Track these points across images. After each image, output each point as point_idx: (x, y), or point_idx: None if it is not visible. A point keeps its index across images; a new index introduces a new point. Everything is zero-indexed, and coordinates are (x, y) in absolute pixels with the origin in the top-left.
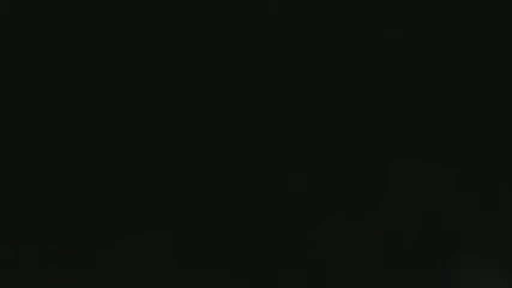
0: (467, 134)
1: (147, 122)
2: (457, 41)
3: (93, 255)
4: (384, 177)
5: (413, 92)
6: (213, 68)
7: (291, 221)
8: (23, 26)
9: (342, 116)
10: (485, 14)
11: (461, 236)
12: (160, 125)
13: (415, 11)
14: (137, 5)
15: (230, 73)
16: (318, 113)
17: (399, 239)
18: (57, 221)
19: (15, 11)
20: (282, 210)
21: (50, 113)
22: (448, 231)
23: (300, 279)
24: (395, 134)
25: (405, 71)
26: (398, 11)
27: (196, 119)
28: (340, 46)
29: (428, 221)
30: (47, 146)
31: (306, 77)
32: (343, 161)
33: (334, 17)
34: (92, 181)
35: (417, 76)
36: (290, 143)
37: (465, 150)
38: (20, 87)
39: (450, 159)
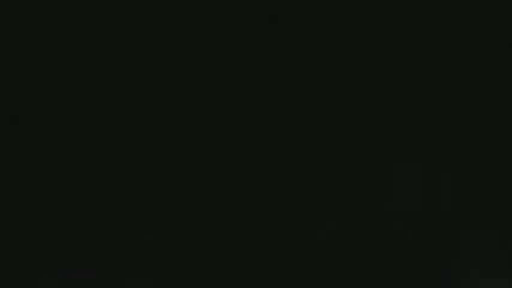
0: (467, 134)
1: (147, 122)
2: (457, 41)
3: (93, 255)
4: (383, 177)
5: (413, 92)
6: (212, 67)
7: (291, 221)
8: (23, 26)
9: (342, 116)
10: (485, 14)
11: (461, 236)
12: (160, 124)
13: (415, 11)
14: (137, 5)
15: (230, 73)
16: (318, 113)
17: (399, 239)
18: (57, 221)
19: (15, 11)
20: (282, 210)
21: (50, 113)
22: (448, 231)
23: (300, 279)
24: (395, 134)
25: (405, 71)
26: (398, 11)
27: (196, 119)
28: (340, 46)
29: (428, 221)
30: (47, 146)
31: (306, 77)
32: (343, 161)
33: (334, 17)
34: (91, 181)
35: (417, 76)
36: (290, 143)
37: (465, 150)
38: (20, 87)
39: (450, 159)
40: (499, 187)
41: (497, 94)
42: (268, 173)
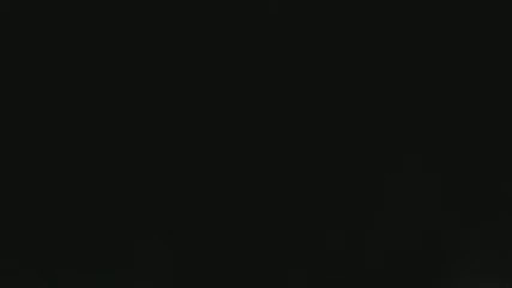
0: (466, 135)
1: (146, 124)
2: (450, 43)
3: (92, 258)
4: (376, 191)
5: (412, 92)
6: (212, 67)
7: (293, 223)
8: (23, 24)
9: (341, 116)
10: (485, 14)
11: (458, 238)
12: (160, 128)
13: (415, 11)
14: (137, 4)
15: (229, 73)
16: (318, 113)
17: (400, 240)
18: (56, 223)
19: (15, 9)
20: (285, 212)
21: (53, 112)
22: (445, 233)
23: (302, 281)
24: (394, 136)
25: (402, 75)
26: (398, 10)
27: (200, 121)
28: (339, 47)
29: (426, 224)
30: (49, 147)
31: (305, 79)
32: (338, 165)
33: (334, 16)
34: (90, 185)
35: (412, 81)
36: (290, 144)
37: (463, 155)
38: (19, 85)
39: (449, 161)
40: (495, 196)
41: (494, 95)
42: (269, 177)
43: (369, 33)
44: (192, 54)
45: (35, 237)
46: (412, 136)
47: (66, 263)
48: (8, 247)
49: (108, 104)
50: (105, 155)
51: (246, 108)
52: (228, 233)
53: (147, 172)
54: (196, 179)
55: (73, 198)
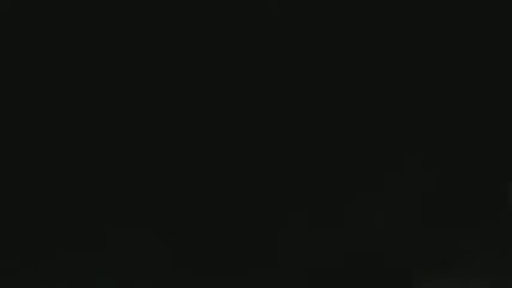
0: (464, 141)
1: (150, 123)
2: (443, 45)
3: (97, 257)
4: (376, 191)
5: (412, 94)
6: (210, 63)
7: (294, 224)
8: (22, 22)
9: (341, 118)
10: (485, 13)
11: (459, 247)
12: (164, 128)
13: (415, 11)
14: (136, 2)
15: (228, 68)
16: (317, 113)
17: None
18: (59, 223)
19: (15, 7)
20: (285, 215)
21: (52, 111)
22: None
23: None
24: (388, 140)
25: (402, 75)
26: (398, 9)
27: (199, 121)
28: (339, 47)
29: (424, 235)
30: (49, 148)
31: (304, 77)
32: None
33: (334, 13)
34: (93, 185)
35: (412, 82)
36: (290, 146)
37: (463, 155)
38: (19, 83)
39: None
40: (501, 187)
41: (494, 95)
42: (269, 176)
43: (369, 33)
44: (192, 50)
45: (35, 237)
46: (412, 136)
47: (66, 263)
48: (8, 247)
49: (108, 103)
50: (105, 156)
51: (244, 106)
52: (228, 232)
53: (147, 172)
54: (196, 179)
55: (73, 198)
